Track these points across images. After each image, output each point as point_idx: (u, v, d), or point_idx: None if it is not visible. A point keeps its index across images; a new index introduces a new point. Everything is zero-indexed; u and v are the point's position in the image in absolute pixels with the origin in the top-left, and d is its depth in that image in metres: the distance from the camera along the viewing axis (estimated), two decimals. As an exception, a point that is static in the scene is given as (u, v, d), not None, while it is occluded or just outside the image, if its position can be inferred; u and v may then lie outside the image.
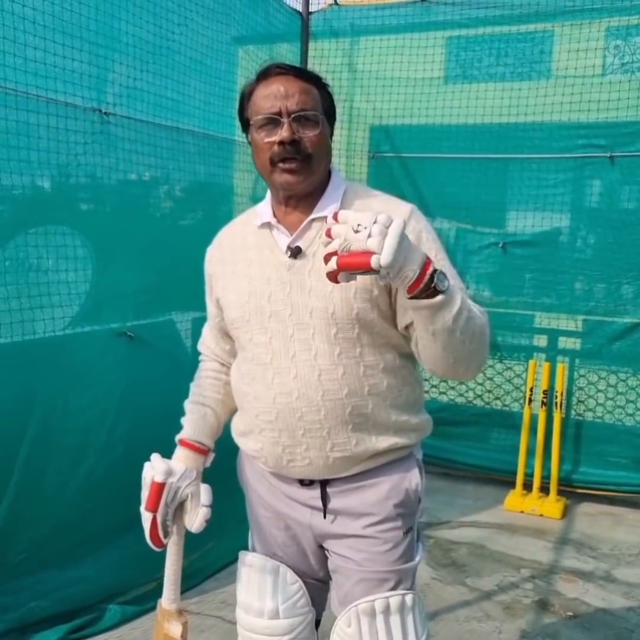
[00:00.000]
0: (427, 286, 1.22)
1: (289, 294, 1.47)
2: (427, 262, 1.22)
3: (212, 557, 3.09)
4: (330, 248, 1.18)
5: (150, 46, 3.00)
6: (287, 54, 4.17)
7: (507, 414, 4.42)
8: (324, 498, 1.54)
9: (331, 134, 1.53)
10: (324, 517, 1.55)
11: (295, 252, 1.47)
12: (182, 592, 2.86)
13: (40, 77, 2.48)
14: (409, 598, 1.53)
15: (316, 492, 1.55)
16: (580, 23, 3.98)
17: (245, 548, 1.73)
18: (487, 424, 4.45)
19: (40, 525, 2.61)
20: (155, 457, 1.59)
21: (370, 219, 1.15)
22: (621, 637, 2.77)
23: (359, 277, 1.26)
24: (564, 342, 4.30)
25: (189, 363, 1.70)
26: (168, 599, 1.65)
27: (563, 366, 4.11)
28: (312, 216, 1.49)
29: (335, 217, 1.19)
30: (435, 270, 1.22)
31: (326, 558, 1.63)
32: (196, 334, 1.73)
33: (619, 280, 4.08)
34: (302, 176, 1.45)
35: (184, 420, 1.68)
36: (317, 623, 1.74)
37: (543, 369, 4.13)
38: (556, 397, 4.08)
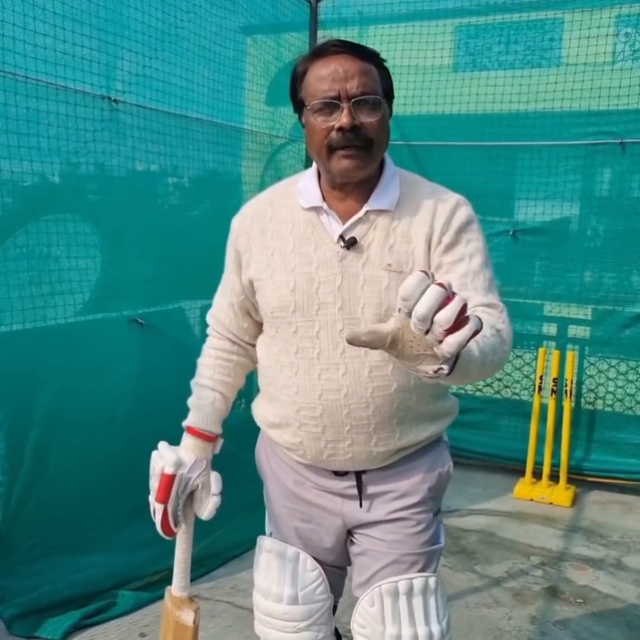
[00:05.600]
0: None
1: (340, 286, 1.39)
2: None
3: (224, 544, 3.09)
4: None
5: (159, 33, 3.01)
6: (296, 42, 4.16)
7: (516, 402, 4.41)
8: (360, 486, 1.52)
9: (390, 115, 1.43)
10: (360, 505, 1.53)
11: (350, 243, 1.39)
12: (195, 577, 2.91)
13: (50, 64, 2.49)
14: (432, 580, 1.53)
15: (351, 482, 1.53)
16: (590, 10, 3.95)
17: (257, 534, 1.71)
18: (496, 412, 4.44)
19: (53, 510, 2.62)
20: (163, 446, 1.54)
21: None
22: (631, 624, 2.77)
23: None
24: (573, 331, 4.29)
25: (198, 351, 1.68)
26: (178, 586, 1.63)
27: (573, 354, 4.09)
28: (367, 208, 1.40)
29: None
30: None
31: (347, 545, 1.62)
32: (205, 323, 1.70)
33: (629, 269, 4.06)
34: (362, 163, 1.36)
35: (190, 403, 1.60)
36: (334, 608, 1.73)
37: (553, 357, 4.12)
38: (566, 385, 4.07)
